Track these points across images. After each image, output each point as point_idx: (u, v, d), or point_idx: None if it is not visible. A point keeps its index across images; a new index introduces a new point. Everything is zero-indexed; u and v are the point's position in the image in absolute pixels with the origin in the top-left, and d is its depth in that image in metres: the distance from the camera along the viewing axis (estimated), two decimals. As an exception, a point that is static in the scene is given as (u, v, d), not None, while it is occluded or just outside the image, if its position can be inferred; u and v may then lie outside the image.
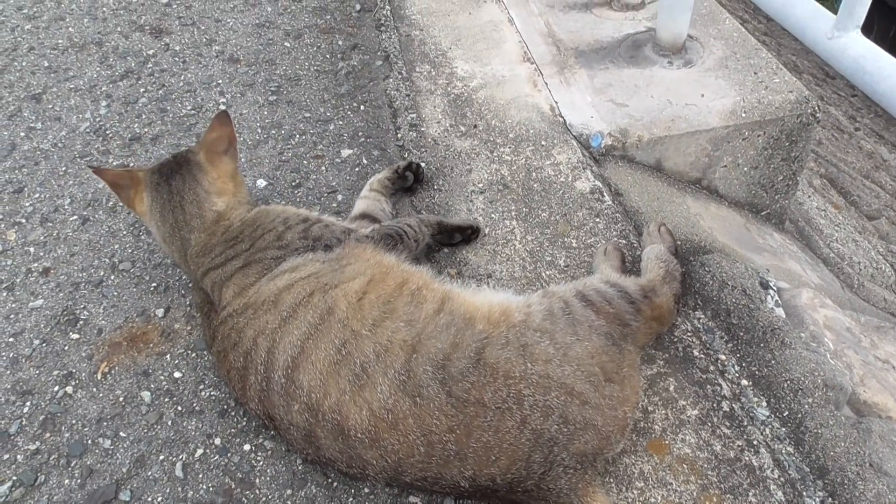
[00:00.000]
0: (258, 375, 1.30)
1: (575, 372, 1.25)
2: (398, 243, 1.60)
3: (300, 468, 1.38)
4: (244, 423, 1.46)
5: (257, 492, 1.36)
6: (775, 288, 1.73)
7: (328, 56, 2.58)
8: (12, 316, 1.70)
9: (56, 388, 1.55)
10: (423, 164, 2.00)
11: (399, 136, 2.19)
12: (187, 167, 1.59)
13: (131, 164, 2.13)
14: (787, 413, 1.41)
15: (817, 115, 2.22)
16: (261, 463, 1.40)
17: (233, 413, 1.49)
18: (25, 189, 2.07)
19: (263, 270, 1.44)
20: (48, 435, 1.46)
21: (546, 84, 2.37)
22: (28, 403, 1.52)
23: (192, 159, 1.60)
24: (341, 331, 1.29)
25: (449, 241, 1.79)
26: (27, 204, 2.02)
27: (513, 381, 1.22)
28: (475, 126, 2.20)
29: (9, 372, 1.58)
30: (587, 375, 1.25)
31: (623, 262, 1.69)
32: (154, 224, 1.60)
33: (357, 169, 2.09)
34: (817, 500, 1.29)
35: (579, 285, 1.45)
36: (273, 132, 2.23)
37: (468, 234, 1.80)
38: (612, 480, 1.32)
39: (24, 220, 1.97)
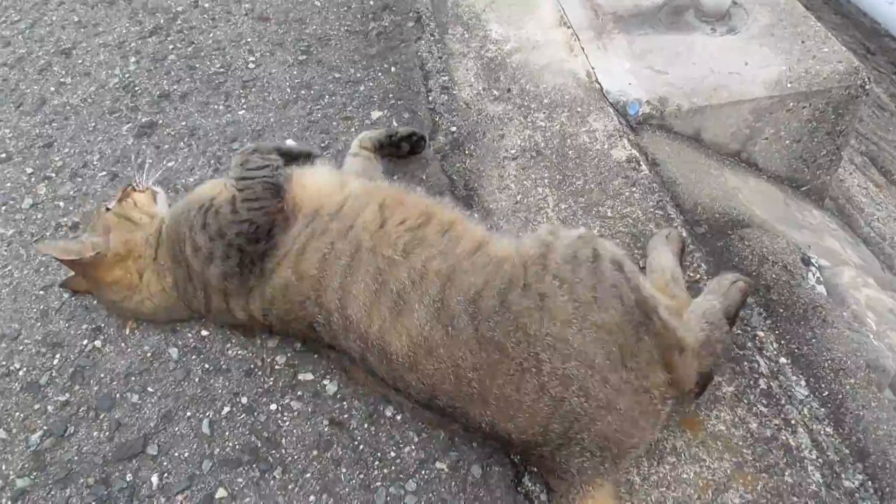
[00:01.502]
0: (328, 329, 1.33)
1: (595, 342, 1.19)
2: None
3: (326, 430, 1.38)
4: (270, 383, 1.46)
5: (283, 451, 1.35)
6: (817, 265, 1.67)
7: (359, 16, 2.52)
8: (42, 269, 1.70)
9: (85, 342, 1.55)
10: (426, 138, 1.92)
11: (430, 98, 2.14)
12: None
13: (159, 121, 2.11)
14: (827, 393, 1.37)
15: (866, 87, 2.13)
16: (287, 423, 1.40)
17: (259, 373, 1.48)
18: (55, 144, 2.06)
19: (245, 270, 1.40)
20: (77, 387, 1.47)
21: (583, 49, 2.30)
22: (58, 356, 1.53)
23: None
24: (373, 259, 1.30)
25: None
26: (57, 158, 2.01)
27: (531, 340, 1.19)
28: (509, 90, 2.14)
29: (39, 324, 1.59)
30: (606, 352, 1.19)
31: (682, 253, 1.58)
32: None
33: (387, 132, 2.05)
34: (856, 482, 1.25)
35: (619, 255, 1.34)
36: (302, 92, 2.19)
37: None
38: (642, 454, 1.29)
39: (53, 175, 1.96)
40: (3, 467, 1.35)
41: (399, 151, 1.88)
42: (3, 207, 1.87)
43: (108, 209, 1.53)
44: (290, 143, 1.78)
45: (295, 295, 1.35)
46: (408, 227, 1.36)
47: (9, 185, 1.94)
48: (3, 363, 1.52)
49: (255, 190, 1.45)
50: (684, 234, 1.67)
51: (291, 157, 1.66)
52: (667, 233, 1.62)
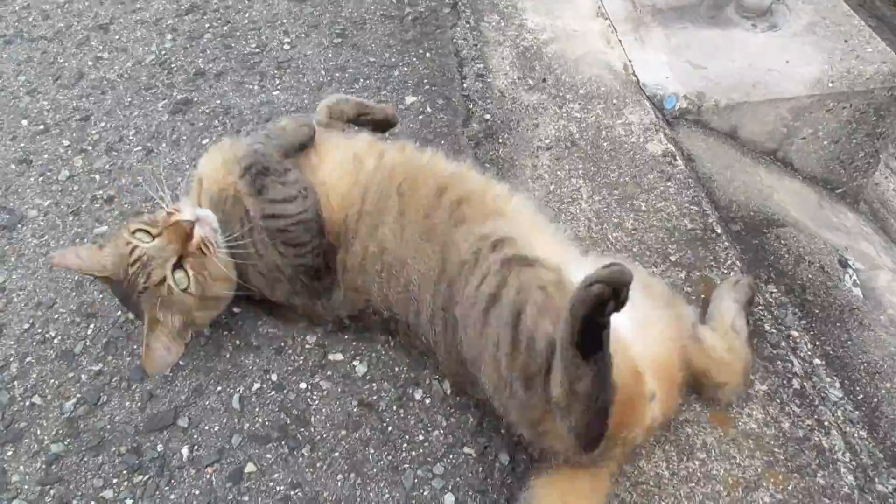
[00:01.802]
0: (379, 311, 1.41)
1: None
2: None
3: (355, 410, 1.38)
4: (301, 362, 1.47)
5: (312, 430, 1.36)
6: (854, 267, 1.64)
7: (394, 1, 2.52)
8: (77, 240, 1.72)
9: (118, 313, 1.57)
10: (396, 123, 1.78)
11: (465, 85, 2.13)
12: None
13: (194, 99, 2.12)
14: (861, 396, 1.35)
15: (911, 89, 2.09)
16: (316, 402, 1.40)
17: (289, 351, 1.49)
18: (92, 117, 2.08)
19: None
20: (110, 357, 1.49)
21: (620, 41, 2.28)
22: (92, 326, 1.55)
23: None
24: (395, 261, 1.33)
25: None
26: (93, 132, 2.03)
27: (464, 359, 1.24)
28: (544, 80, 2.13)
29: (74, 294, 1.61)
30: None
31: (751, 304, 1.45)
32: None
33: (420, 117, 2.04)
34: (890, 487, 1.23)
35: (526, 299, 1.11)
36: (337, 75, 2.19)
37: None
38: (672, 449, 1.28)
39: (90, 148, 1.98)
40: (38, 432, 1.37)
41: (366, 127, 1.71)
42: (41, 178, 1.90)
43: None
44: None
45: (352, 303, 1.42)
46: (422, 216, 1.32)
47: (46, 156, 1.96)
48: (40, 331, 1.54)
49: (295, 234, 1.34)
50: (693, 210, 1.65)
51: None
52: (735, 279, 1.49)
